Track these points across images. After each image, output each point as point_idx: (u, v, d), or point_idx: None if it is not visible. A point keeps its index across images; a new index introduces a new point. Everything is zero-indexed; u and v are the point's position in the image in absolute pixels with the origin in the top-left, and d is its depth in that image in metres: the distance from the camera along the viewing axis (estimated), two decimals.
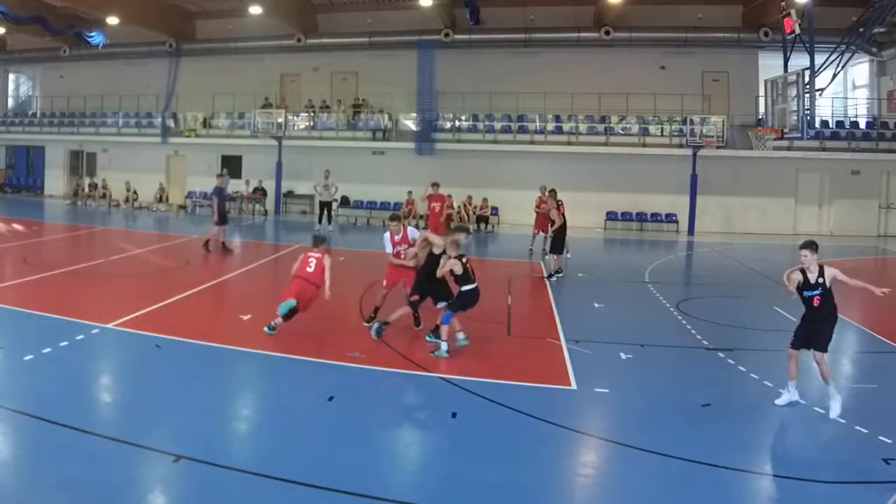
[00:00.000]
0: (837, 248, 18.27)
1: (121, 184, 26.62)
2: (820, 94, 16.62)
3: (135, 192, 26.28)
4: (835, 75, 16.99)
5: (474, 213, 22.70)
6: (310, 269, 8.58)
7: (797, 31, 16.16)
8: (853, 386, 7.56)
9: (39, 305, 9.41)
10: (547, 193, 15.52)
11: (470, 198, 22.74)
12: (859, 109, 24.80)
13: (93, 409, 6.13)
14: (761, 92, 20.36)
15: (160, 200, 26.17)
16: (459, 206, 22.17)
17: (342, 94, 26.77)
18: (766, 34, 22.53)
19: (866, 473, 5.17)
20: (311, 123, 26.20)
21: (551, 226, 13.93)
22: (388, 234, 9.07)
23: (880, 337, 9.44)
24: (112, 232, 19.97)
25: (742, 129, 22.71)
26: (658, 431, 5.98)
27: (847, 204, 22.83)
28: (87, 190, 27.36)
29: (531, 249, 16.92)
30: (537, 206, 16.81)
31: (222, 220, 15.41)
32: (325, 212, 20.68)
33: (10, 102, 33.70)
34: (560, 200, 14.07)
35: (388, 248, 9.07)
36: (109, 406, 6.37)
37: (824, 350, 6.40)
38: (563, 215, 13.74)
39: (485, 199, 22.85)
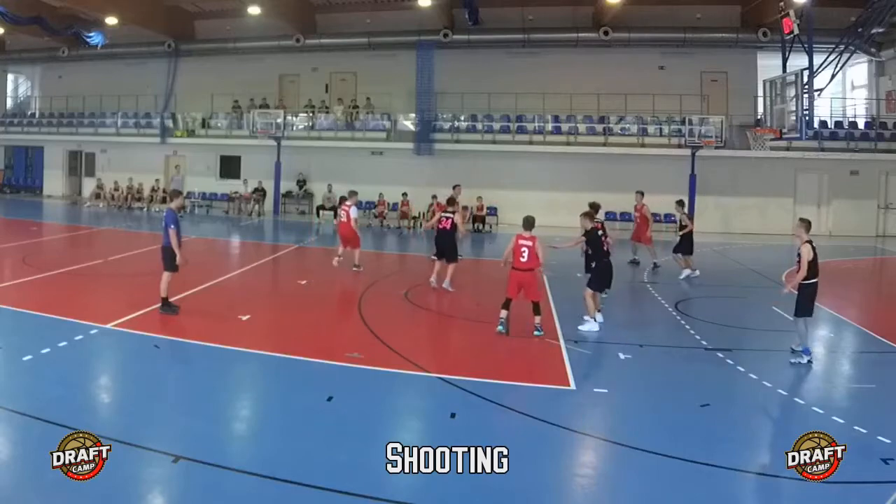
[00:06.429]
0: (836, 249, 18.24)
1: (120, 184, 26.57)
2: (818, 95, 16.63)
3: (136, 192, 26.23)
4: (833, 75, 17.01)
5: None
6: (523, 259, 8.73)
7: (796, 31, 16.17)
8: (853, 386, 7.57)
9: (38, 305, 9.40)
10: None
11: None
12: (858, 110, 24.81)
13: (92, 410, 6.12)
14: (760, 92, 20.38)
15: (160, 201, 26.14)
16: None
17: (341, 95, 26.76)
18: (764, 34, 22.52)
19: (866, 473, 5.16)
20: (310, 124, 26.19)
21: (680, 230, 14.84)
22: None
23: (879, 337, 9.44)
24: (111, 232, 19.94)
25: (741, 129, 22.71)
26: (658, 431, 5.98)
27: (846, 204, 22.81)
28: (95, 190, 27.19)
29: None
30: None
31: None
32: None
33: (9, 103, 33.58)
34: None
35: None
36: (109, 406, 6.36)
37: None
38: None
39: (479, 197, 22.32)
